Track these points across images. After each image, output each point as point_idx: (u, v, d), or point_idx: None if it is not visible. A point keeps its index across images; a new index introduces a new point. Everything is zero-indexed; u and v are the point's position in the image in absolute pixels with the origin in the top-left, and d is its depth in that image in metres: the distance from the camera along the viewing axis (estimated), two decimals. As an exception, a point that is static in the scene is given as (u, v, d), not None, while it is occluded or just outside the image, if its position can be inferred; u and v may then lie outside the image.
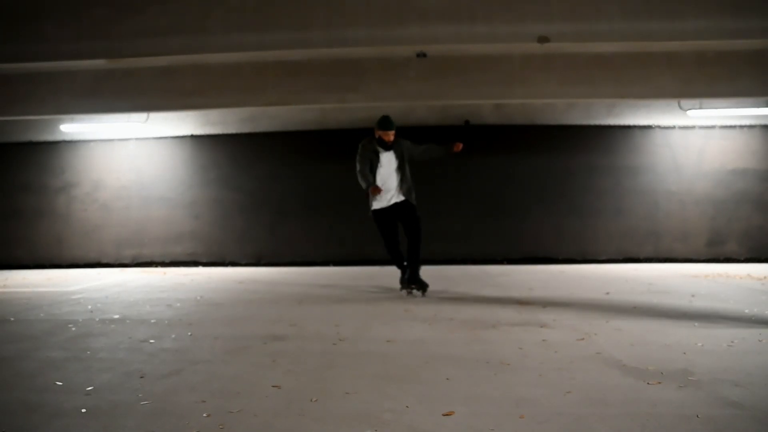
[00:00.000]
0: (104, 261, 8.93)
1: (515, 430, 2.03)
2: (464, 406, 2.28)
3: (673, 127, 8.40)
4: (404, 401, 2.34)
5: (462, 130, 8.44)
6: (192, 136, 8.84)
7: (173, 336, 3.68)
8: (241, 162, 8.76)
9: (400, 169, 5.32)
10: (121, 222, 8.90)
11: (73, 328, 3.97)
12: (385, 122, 5.24)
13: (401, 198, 5.33)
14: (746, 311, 4.25)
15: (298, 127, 8.57)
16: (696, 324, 3.78)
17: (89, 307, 4.95)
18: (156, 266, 8.82)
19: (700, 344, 3.21)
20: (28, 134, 8.83)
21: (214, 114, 8.14)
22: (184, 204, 8.82)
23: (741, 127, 8.33)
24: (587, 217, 8.41)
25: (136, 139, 8.91)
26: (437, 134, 7.81)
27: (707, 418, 2.10)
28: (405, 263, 5.47)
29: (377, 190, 5.20)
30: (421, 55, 6.21)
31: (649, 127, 8.41)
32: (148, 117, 8.04)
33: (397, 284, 5.70)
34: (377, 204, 5.36)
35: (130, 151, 8.95)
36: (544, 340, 3.37)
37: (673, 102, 7.66)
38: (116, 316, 4.43)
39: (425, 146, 5.51)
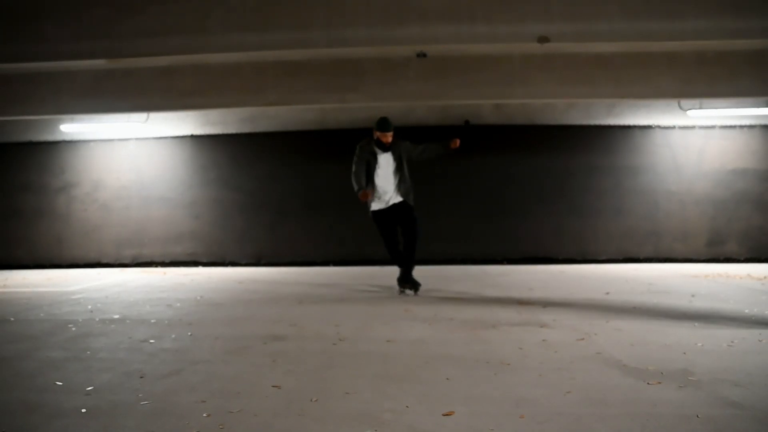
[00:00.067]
0: (104, 261, 8.93)
1: (515, 430, 2.03)
2: (464, 406, 2.28)
3: (673, 127, 8.40)
4: (404, 401, 2.34)
5: (462, 130, 8.44)
6: (192, 136, 8.84)
7: (173, 336, 3.68)
8: (241, 162, 8.76)
9: (398, 170, 5.32)
10: (121, 222, 8.90)
11: (73, 328, 3.97)
12: (383, 123, 5.24)
13: (399, 199, 5.34)
14: (746, 311, 4.25)
15: (298, 127, 8.57)
16: (696, 324, 3.78)
17: (89, 307, 4.95)
18: (156, 266, 8.82)
19: (700, 344, 3.21)
20: (28, 134, 8.83)
21: (214, 114, 8.14)
22: (184, 204, 8.82)
23: (741, 127, 8.33)
24: (587, 217, 8.41)
25: (136, 139, 8.91)
26: (437, 134, 7.78)
27: (707, 418, 2.10)
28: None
29: (366, 195, 5.23)
30: (421, 55, 6.21)
31: (649, 127, 8.41)
32: (148, 117, 8.05)
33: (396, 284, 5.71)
34: (375, 205, 5.38)
35: (130, 151, 8.95)
36: (544, 340, 3.37)
37: (673, 102, 7.67)
38: (116, 316, 4.43)
39: (424, 146, 5.51)
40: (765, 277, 6.36)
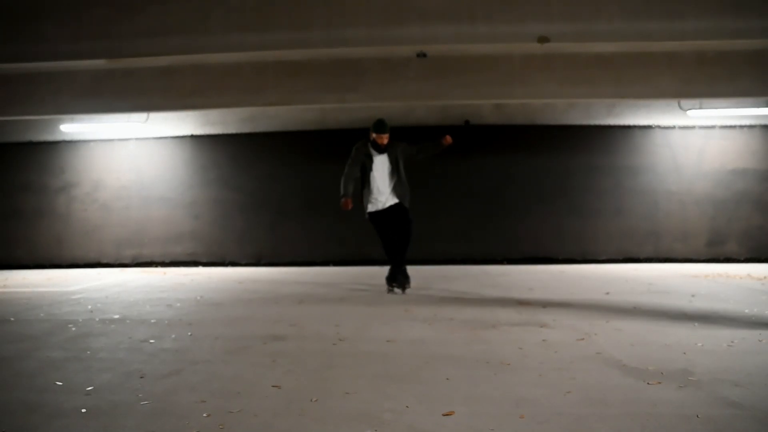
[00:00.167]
0: (104, 261, 8.93)
1: (515, 430, 2.03)
2: (464, 406, 2.28)
3: (673, 127, 8.40)
4: (404, 401, 2.34)
5: (462, 130, 8.45)
6: (192, 136, 8.84)
7: (173, 336, 3.68)
8: (241, 162, 8.76)
9: (394, 172, 5.34)
10: (121, 222, 8.90)
11: (73, 328, 3.97)
12: (379, 125, 5.27)
13: (395, 201, 5.36)
14: (746, 311, 4.25)
15: (298, 127, 8.57)
16: (696, 324, 3.78)
17: (89, 307, 4.95)
18: (156, 266, 8.82)
19: (700, 344, 3.21)
20: (28, 134, 8.84)
21: (214, 114, 8.14)
22: (184, 204, 8.82)
23: (741, 127, 8.33)
24: (587, 217, 8.41)
25: (136, 139, 8.91)
26: (437, 134, 7.76)
27: (707, 418, 2.09)
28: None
29: (347, 204, 5.29)
30: (421, 55, 6.21)
31: (649, 127, 8.41)
32: (148, 117, 8.05)
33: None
34: (372, 207, 5.41)
35: (130, 151, 8.95)
36: (544, 340, 3.37)
37: (673, 102, 7.67)
38: (116, 316, 4.43)
39: (420, 146, 5.53)
40: (765, 277, 6.36)
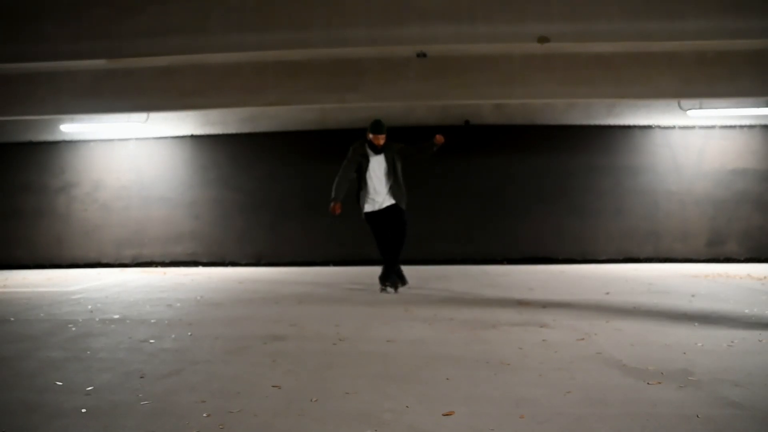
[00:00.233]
0: (104, 261, 8.93)
1: (515, 430, 2.03)
2: (464, 406, 2.28)
3: (673, 127, 8.40)
4: (404, 401, 2.34)
5: (462, 130, 8.45)
6: (192, 136, 8.84)
7: (173, 336, 3.68)
8: (241, 162, 8.76)
9: (390, 173, 5.36)
10: (121, 222, 8.90)
11: (73, 328, 3.97)
12: (375, 126, 5.30)
13: (392, 202, 5.39)
14: (746, 311, 4.25)
15: (298, 127, 8.57)
16: (696, 324, 3.78)
17: (89, 307, 4.95)
18: (156, 266, 8.82)
19: (700, 344, 3.21)
20: (28, 134, 8.83)
21: (214, 114, 8.14)
22: (184, 204, 8.82)
23: (741, 127, 8.33)
24: (587, 217, 8.41)
25: (136, 139, 8.91)
26: (436, 134, 7.79)
27: (707, 418, 2.09)
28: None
29: (335, 210, 5.38)
30: (421, 55, 6.21)
31: (649, 127, 8.41)
32: (148, 117, 8.05)
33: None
34: (368, 207, 5.44)
35: (130, 151, 8.95)
36: (544, 340, 3.37)
37: (673, 102, 7.66)
38: (116, 316, 4.43)
39: (416, 147, 5.54)
40: (765, 277, 6.36)
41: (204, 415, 2.21)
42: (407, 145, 5.54)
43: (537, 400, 2.32)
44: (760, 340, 3.28)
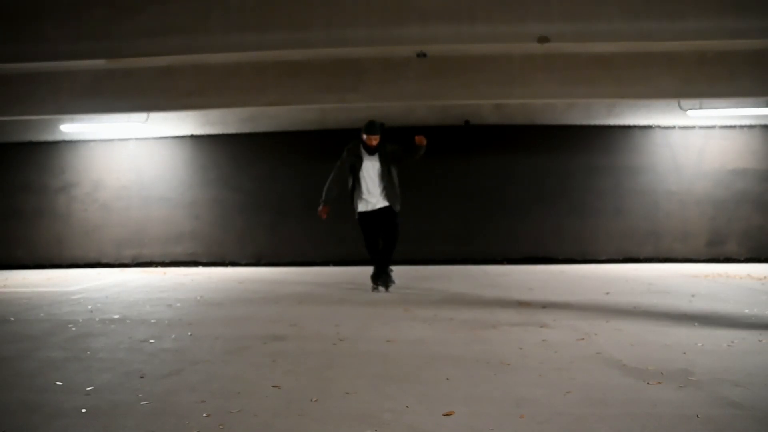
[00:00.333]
0: (104, 261, 8.93)
1: (515, 430, 2.03)
2: (464, 406, 2.28)
3: (673, 127, 8.39)
4: (404, 401, 2.34)
5: (462, 130, 8.45)
6: (192, 136, 8.84)
7: (173, 336, 3.68)
8: (241, 162, 8.76)
9: (384, 174, 5.37)
10: (121, 222, 8.90)
11: (73, 328, 3.97)
12: (369, 127, 5.33)
13: (385, 203, 5.40)
14: (746, 311, 4.25)
15: (298, 127, 8.57)
16: (696, 324, 3.78)
17: (89, 307, 4.95)
18: (156, 266, 8.82)
19: (700, 344, 3.21)
20: (28, 134, 8.83)
21: (214, 114, 8.13)
22: (184, 204, 8.82)
23: (741, 127, 8.33)
24: (587, 217, 8.41)
25: (136, 139, 8.91)
26: (437, 134, 7.81)
27: (707, 418, 2.09)
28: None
29: (322, 213, 5.45)
30: (421, 55, 6.20)
31: (649, 127, 8.41)
32: (148, 117, 8.04)
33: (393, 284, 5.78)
34: (362, 207, 5.47)
35: (130, 151, 8.95)
36: (544, 340, 3.37)
37: (673, 102, 7.66)
38: (116, 316, 4.43)
39: (404, 147, 5.52)
40: (765, 277, 6.36)
41: (204, 415, 2.21)
42: (399, 147, 5.54)
43: (537, 400, 2.32)
44: (760, 340, 3.28)
